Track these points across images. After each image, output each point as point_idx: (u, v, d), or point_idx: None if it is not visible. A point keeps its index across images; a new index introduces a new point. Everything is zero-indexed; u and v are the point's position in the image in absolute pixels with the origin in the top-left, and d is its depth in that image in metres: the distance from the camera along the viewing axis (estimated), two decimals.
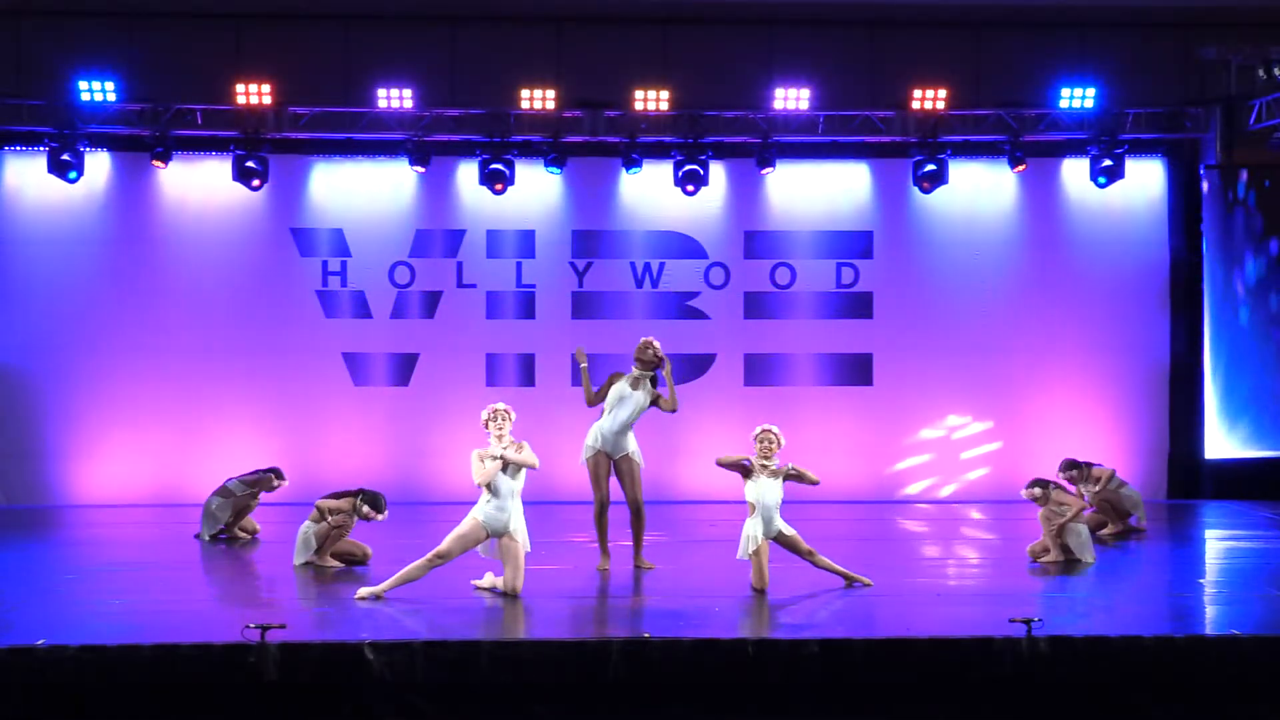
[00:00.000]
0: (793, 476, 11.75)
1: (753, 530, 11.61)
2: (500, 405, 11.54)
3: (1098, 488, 14.64)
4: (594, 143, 17.48)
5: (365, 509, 13.00)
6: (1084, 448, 15.80)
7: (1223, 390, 18.18)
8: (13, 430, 17.49)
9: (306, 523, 13.09)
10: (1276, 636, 10.08)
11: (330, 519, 12.95)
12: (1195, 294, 18.13)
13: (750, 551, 11.60)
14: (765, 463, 11.69)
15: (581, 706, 9.64)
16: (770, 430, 11.79)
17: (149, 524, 15.93)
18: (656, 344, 12.73)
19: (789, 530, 11.71)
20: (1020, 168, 17.53)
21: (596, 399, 12.77)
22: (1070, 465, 14.70)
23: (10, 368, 17.55)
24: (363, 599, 11.23)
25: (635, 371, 12.68)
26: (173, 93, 17.12)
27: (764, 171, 17.60)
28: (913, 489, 18.18)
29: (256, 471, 14.85)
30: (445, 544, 11.33)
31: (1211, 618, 11.28)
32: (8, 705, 9.43)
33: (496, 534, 11.34)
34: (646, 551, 13.04)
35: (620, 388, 12.68)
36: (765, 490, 11.61)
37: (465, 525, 11.34)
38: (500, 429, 11.40)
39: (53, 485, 17.56)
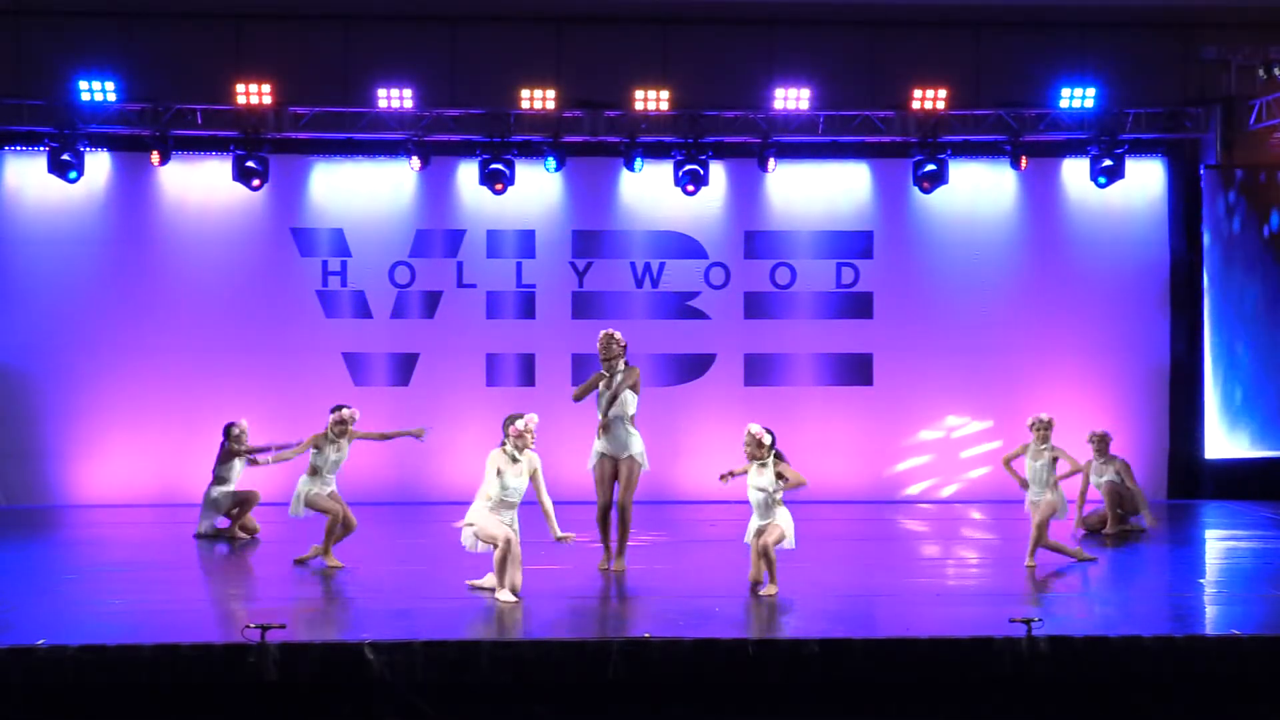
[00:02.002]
0: (780, 476, 11.64)
1: (750, 522, 11.63)
2: (526, 418, 11.48)
3: (1109, 475, 14.82)
4: (594, 143, 17.49)
5: (342, 415, 13.00)
6: (1084, 448, 15.79)
7: (1223, 390, 18.18)
8: (13, 430, 17.50)
9: (304, 476, 13.06)
10: (1276, 636, 10.08)
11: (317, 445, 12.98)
12: (1195, 294, 18.14)
13: (746, 539, 11.61)
14: (755, 456, 11.61)
15: (581, 706, 9.64)
16: (748, 431, 11.68)
17: (149, 524, 15.92)
18: (618, 334, 12.67)
19: (768, 536, 11.55)
20: (1023, 164, 17.53)
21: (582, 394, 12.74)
22: (1104, 437, 14.97)
23: (10, 368, 17.56)
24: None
25: (604, 370, 12.62)
26: (173, 93, 17.14)
27: (767, 169, 17.59)
28: (913, 489, 18.18)
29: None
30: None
31: (1211, 618, 11.27)
32: (8, 705, 9.43)
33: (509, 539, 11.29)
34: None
35: (603, 391, 12.62)
36: (751, 481, 11.56)
37: (487, 536, 11.23)
38: (527, 440, 11.37)
39: (53, 485, 17.56)
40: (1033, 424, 12.95)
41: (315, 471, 13.01)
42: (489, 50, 17.75)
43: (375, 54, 17.57)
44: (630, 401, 12.55)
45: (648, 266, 18.09)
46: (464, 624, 10.54)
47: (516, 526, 11.36)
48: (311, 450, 12.99)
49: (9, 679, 9.43)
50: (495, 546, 11.20)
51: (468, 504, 11.62)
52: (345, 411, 13.06)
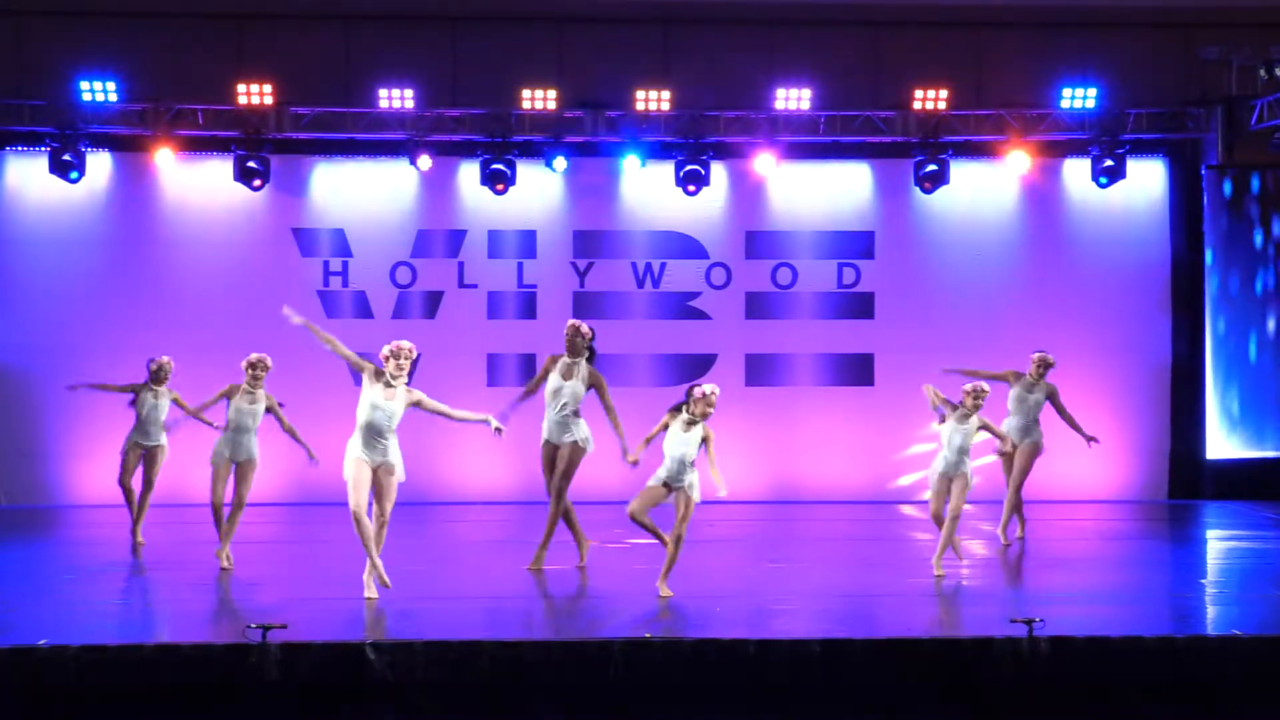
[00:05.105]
0: (706, 440, 11.52)
1: (660, 469, 11.49)
2: (406, 344, 11.42)
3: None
4: (595, 143, 17.49)
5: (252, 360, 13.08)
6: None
7: (1224, 390, 18.17)
8: (15, 430, 17.49)
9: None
10: (1278, 637, 10.07)
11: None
12: (1197, 294, 18.13)
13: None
14: (690, 416, 11.52)
15: (582, 707, 9.64)
16: (709, 396, 11.53)
17: (150, 524, 15.88)
18: (584, 327, 12.64)
19: (691, 495, 11.47)
20: (1006, 157, 17.52)
21: (531, 389, 12.69)
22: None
23: (12, 367, 17.56)
24: None
25: (566, 359, 12.59)
26: (174, 93, 17.13)
27: (768, 170, 17.59)
28: (914, 489, 18.16)
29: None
30: (351, 499, 11.15)
31: (1213, 618, 11.27)
32: (9, 705, 9.43)
33: (375, 466, 11.26)
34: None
35: (553, 379, 12.56)
36: (676, 440, 11.49)
37: (351, 470, 11.21)
38: (401, 368, 11.31)
39: (54, 485, 17.56)
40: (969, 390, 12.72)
41: (227, 428, 12.92)
42: (490, 50, 17.75)
43: (376, 54, 17.57)
44: (581, 395, 12.45)
45: (649, 267, 18.09)
46: (465, 624, 10.54)
47: (392, 456, 11.32)
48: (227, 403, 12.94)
49: (10, 679, 9.43)
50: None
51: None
52: (255, 356, 13.09)
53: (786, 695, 9.72)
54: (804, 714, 9.71)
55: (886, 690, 9.74)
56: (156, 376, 14.38)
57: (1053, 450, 16.44)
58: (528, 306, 18.00)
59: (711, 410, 11.46)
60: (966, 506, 12.56)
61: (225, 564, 12.64)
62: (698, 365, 18.07)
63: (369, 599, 11.06)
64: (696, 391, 11.47)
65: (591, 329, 12.63)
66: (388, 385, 11.24)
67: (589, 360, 12.54)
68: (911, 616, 10.81)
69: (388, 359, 11.25)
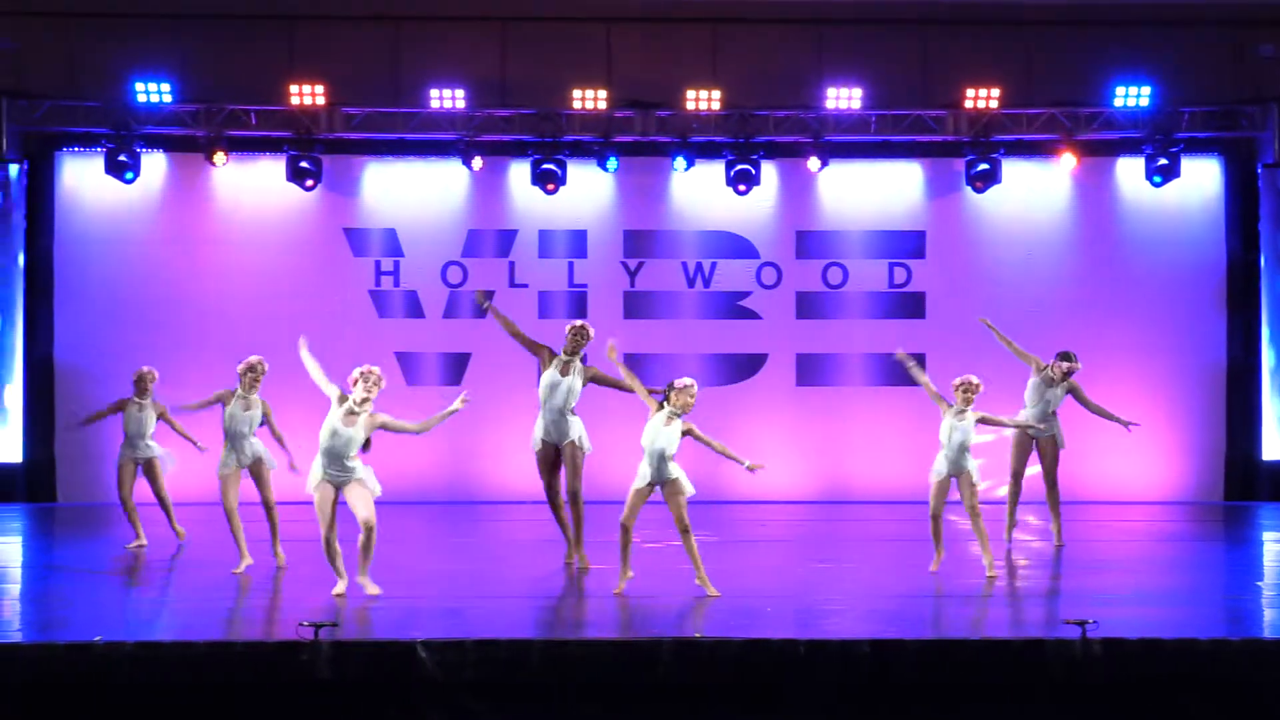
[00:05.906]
0: (689, 433, 11.47)
1: (641, 468, 11.45)
2: (376, 370, 11.35)
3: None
4: (645, 143, 17.50)
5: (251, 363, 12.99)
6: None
7: None
8: (72, 428, 17.63)
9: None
10: None
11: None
12: (1253, 294, 17.96)
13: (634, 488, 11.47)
14: (672, 410, 11.47)
15: (631, 706, 9.64)
16: (690, 388, 11.52)
17: (204, 522, 16.01)
18: (591, 330, 12.77)
19: (681, 489, 11.44)
20: (1062, 157, 17.42)
21: (523, 339, 12.93)
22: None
23: (69, 366, 17.71)
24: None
25: (564, 356, 12.68)
26: (227, 94, 17.27)
27: (818, 169, 17.56)
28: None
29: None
30: (321, 529, 11.22)
31: (1269, 620, 11.16)
32: (63, 701, 9.52)
33: (343, 486, 11.25)
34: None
35: (549, 375, 12.63)
36: (656, 435, 11.46)
37: (315, 498, 11.24)
38: (369, 392, 11.26)
39: (110, 483, 17.64)
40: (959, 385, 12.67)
41: (226, 439, 12.89)
42: (540, 50, 17.79)
43: (427, 55, 17.65)
44: (578, 392, 12.60)
45: (699, 266, 18.08)
46: (515, 623, 10.57)
47: (359, 473, 11.25)
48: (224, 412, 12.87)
49: (65, 675, 9.52)
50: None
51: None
52: (254, 359, 12.98)
53: (836, 696, 9.70)
54: (853, 715, 9.68)
55: (937, 691, 9.70)
56: (139, 389, 14.16)
57: (1105, 451, 16.37)
58: (578, 306, 18.02)
59: (692, 403, 11.43)
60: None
61: (279, 561, 12.76)
62: (748, 365, 18.05)
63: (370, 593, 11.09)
64: (678, 383, 11.47)
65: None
66: (350, 412, 11.20)
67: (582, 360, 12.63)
68: (963, 617, 10.75)
69: (355, 382, 11.24)
